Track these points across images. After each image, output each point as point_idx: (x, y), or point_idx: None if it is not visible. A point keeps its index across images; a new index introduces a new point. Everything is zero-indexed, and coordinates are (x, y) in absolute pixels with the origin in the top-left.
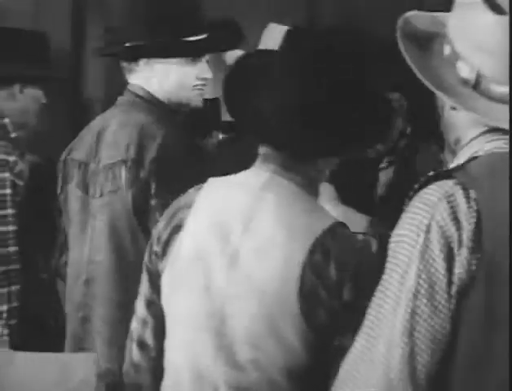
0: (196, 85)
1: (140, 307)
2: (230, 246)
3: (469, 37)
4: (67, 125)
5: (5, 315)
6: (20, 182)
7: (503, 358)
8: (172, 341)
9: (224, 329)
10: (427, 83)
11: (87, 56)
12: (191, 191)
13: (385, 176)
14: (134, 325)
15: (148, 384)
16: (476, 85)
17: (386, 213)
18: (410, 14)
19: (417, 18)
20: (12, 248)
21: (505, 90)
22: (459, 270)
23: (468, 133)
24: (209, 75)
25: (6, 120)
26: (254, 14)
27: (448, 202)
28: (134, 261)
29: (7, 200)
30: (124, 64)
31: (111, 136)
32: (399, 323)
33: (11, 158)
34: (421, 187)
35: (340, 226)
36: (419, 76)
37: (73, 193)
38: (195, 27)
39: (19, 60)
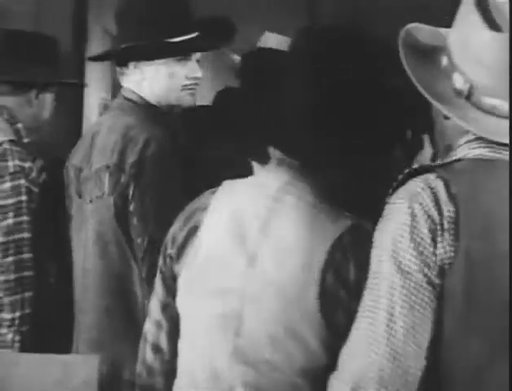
0: (186, 85)
1: (155, 310)
2: (248, 247)
3: (466, 49)
4: (74, 129)
5: (17, 322)
6: (35, 189)
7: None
8: (188, 342)
9: (242, 330)
10: (423, 91)
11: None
12: (205, 193)
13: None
14: (148, 326)
15: (161, 386)
16: (468, 96)
17: (367, 206)
18: (412, 26)
19: (419, 30)
20: (27, 255)
21: (496, 102)
22: (440, 250)
23: (457, 141)
24: (199, 74)
25: (20, 126)
26: (254, 14)
27: (432, 193)
28: (120, 266)
29: (23, 207)
30: (117, 68)
31: (101, 141)
32: (398, 299)
33: (27, 164)
34: (404, 180)
35: (360, 226)
36: (416, 84)
37: (73, 198)
38: (181, 27)
39: (35, 65)
